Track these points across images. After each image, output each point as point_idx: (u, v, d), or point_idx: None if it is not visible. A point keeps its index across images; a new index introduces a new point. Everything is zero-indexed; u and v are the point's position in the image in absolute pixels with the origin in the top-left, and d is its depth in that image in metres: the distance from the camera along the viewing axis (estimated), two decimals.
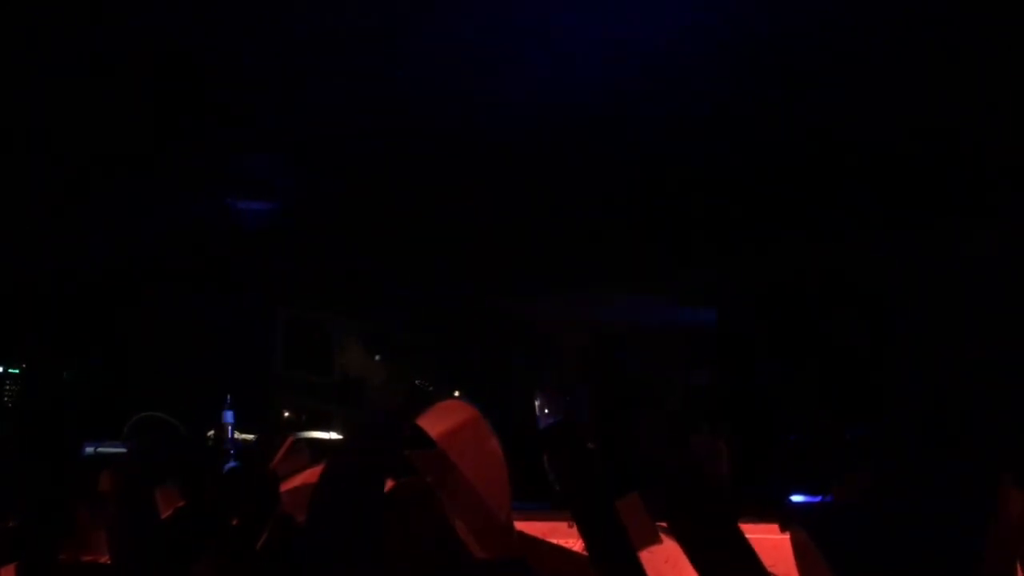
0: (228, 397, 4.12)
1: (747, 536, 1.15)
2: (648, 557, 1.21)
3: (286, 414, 6.66)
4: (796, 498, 2.56)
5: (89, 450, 4.74)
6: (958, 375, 5.43)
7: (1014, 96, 4.38)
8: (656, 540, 1.29)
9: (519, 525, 1.41)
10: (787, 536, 1.25)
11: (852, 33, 3.91)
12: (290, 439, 1.48)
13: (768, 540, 1.31)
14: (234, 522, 1.29)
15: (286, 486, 1.43)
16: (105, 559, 1.49)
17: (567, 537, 1.47)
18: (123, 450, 4.51)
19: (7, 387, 6.26)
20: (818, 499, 2.50)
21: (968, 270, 5.74)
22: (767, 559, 1.15)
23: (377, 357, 4.94)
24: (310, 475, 1.47)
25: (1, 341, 6.33)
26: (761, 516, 1.57)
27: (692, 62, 4.11)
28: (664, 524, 1.24)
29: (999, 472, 1.20)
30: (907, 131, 4.76)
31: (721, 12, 3.74)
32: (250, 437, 4.76)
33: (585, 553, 1.18)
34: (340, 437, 5.01)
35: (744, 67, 4.18)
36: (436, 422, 1.39)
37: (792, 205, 5.82)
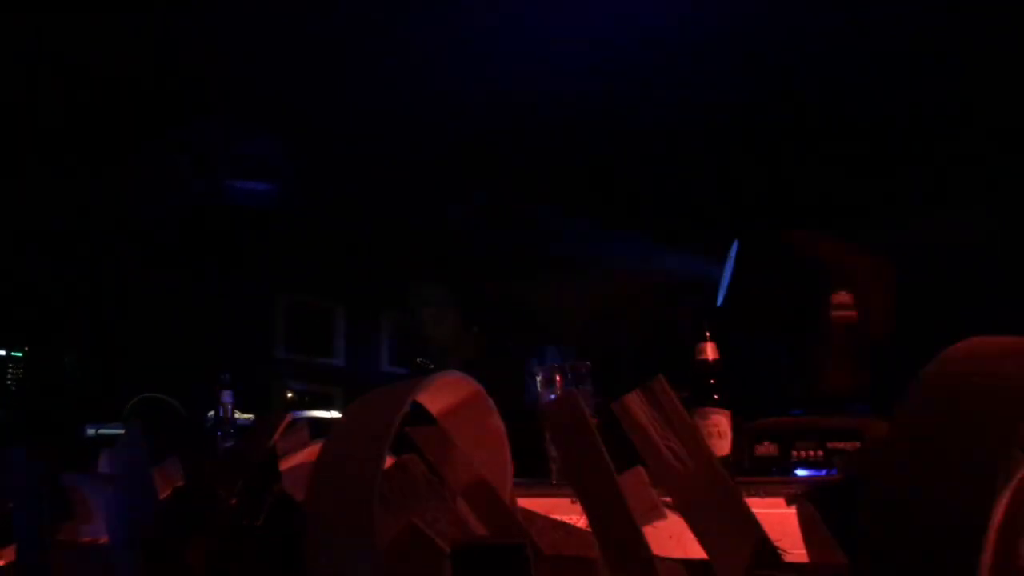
0: (226, 376, 4.09)
1: (753, 510, 1.13)
2: (652, 532, 1.19)
3: (289, 394, 6.67)
4: (801, 472, 2.56)
5: (90, 432, 4.74)
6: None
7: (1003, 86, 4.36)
8: (661, 515, 1.28)
9: (521, 502, 1.40)
10: (793, 510, 1.24)
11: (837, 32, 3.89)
12: (288, 416, 1.46)
13: (774, 514, 1.30)
14: (233, 501, 1.28)
15: (285, 464, 1.42)
16: (104, 540, 1.48)
17: (570, 513, 1.45)
18: (123, 431, 4.51)
19: (10, 370, 6.26)
20: (823, 473, 2.50)
21: (967, 257, 5.73)
22: (773, 533, 1.13)
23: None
24: (309, 453, 1.46)
25: (3, 324, 6.33)
26: (767, 490, 1.56)
27: (686, 49, 4.10)
28: (668, 499, 1.22)
29: (1006, 445, 1.18)
30: (895, 120, 4.75)
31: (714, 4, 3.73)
32: (251, 417, 4.76)
33: (588, 529, 1.17)
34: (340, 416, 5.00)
35: (734, 57, 4.17)
36: (437, 398, 1.37)
37: (791, 191, 5.81)
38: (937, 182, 5.61)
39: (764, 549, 1.10)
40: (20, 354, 6.31)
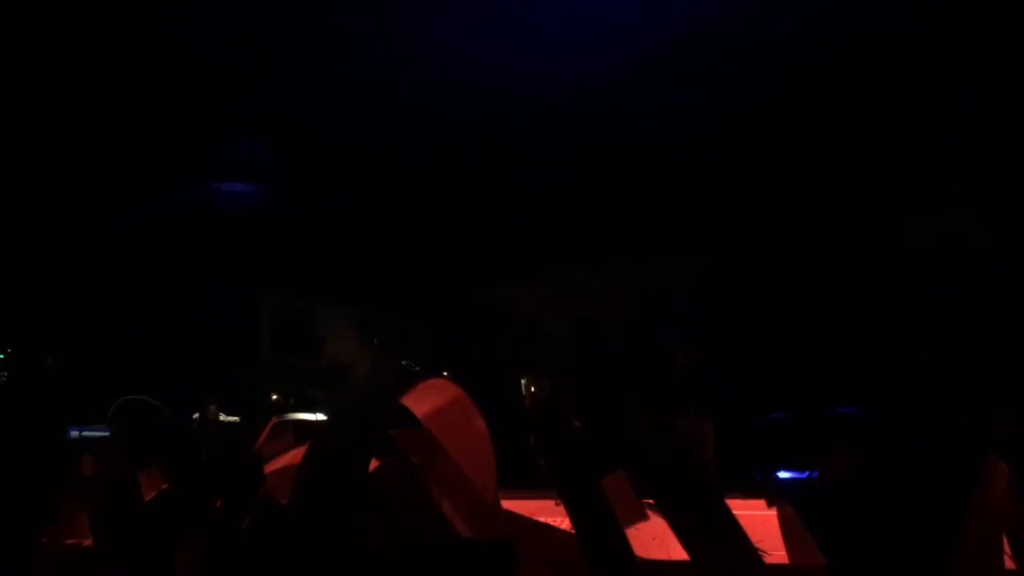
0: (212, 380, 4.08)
1: (734, 512, 1.15)
2: (635, 534, 1.20)
3: (274, 397, 6.64)
4: (783, 474, 2.58)
5: (74, 434, 4.71)
6: (941, 354, 5.47)
7: (982, 84, 4.39)
8: (643, 517, 1.29)
9: (505, 504, 1.41)
10: (774, 512, 1.25)
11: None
12: (273, 420, 1.46)
13: (755, 516, 1.32)
14: (217, 504, 1.28)
15: (270, 468, 1.42)
16: (88, 543, 1.48)
17: (554, 515, 1.47)
18: (108, 434, 4.48)
19: None
20: (804, 475, 2.51)
21: (952, 253, 5.78)
22: (754, 535, 1.15)
23: (375, 341, 4.98)
24: (294, 457, 1.47)
25: None
26: (748, 492, 1.57)
27: (677, 51, 4.11)
28: (651, 501, 1.23)
29: (984, 447, 1.20)
30: (883, 118, 4.78)
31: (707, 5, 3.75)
32: (236, 419, 4.75)
33: (572, 531, 1.18)
34: (325, 419, 5.00)
35: (726, 58, 4.19)
36: (421, 401, 1.38)
37: (772, 190, 5.84)
38: (936, 183, 5.65)
39: (745, 551, 1.12)
40: (1, 356, 6.26)
